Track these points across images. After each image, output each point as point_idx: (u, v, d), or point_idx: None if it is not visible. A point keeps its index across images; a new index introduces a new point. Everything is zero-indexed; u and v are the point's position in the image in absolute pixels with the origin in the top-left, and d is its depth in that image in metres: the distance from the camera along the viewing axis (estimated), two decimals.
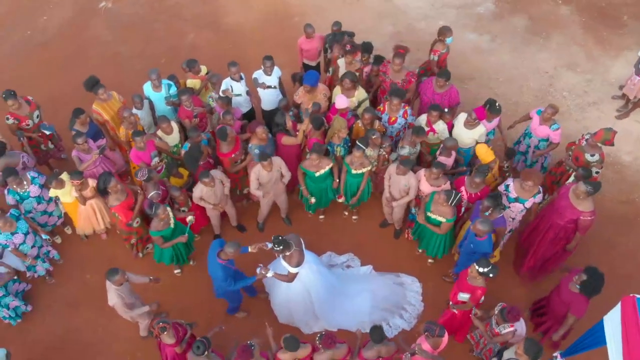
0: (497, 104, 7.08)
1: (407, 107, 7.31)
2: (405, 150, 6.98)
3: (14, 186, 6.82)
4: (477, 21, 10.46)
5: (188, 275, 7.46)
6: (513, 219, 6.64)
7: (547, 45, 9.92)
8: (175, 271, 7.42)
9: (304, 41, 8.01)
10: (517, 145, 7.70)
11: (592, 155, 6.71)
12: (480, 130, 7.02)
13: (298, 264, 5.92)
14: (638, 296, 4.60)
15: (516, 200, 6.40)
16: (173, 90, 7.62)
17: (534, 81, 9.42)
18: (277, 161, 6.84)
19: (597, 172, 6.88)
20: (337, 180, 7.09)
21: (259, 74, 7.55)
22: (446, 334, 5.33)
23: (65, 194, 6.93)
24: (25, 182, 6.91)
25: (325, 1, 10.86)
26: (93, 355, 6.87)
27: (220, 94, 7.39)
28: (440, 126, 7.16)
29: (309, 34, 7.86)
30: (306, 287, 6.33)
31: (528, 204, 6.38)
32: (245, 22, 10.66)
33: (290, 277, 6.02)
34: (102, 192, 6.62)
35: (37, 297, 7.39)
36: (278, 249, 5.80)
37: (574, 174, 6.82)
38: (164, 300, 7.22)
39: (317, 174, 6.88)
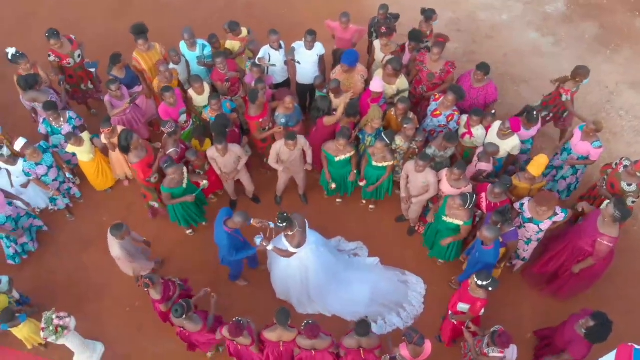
0: (534, 113, 6.67)
1: (457, 112, 6.92)
2: (430, 150, 6.71)
3: (50, 119, 7.03)
4: (543, 20, 9.84)
5: (199, 235, 7.55)
6: (529, 239, 6.32)
7: (614, 59, 9.25)
8: (187, 231, 7.52)
9: (338, 28, 7.69)
10: (553, 157, 7.30)
11: (629, 185, 6.27)
12: (513, 142, 6.64)
13: (298, 245, 5.87)
14: (636, 347, 4.30)
15: (530, 221, 6.07)
16: (207, 50, 7.56)
17: (592, 94, 8.82)
18: (301, 141, 6.73)
19: (632, 202, 6.44)
20: (354, 172, 6.94)
21: (298, 46, 7.38)
22: (428, 344, 5.19)
23: (83, 152, 7.07)
24: (62, 119, 7.12)
25: None
26: (94, 297, 7.12)
27: (256, 61, 7.29)
28: (479, 131, 6.82)
29: (343, 23, 7.54)
30: (305, 266, 6.29)
31: (544, 226, 6.05)
32: None
33: (289, 254, 5.98)
34: (123, 148, 6.72)
35: (54, 232, 7.69)
36: (281, 225, 5.75)
37: (606, 202, 6.41)
38: (171, 256, 7.40)
39: (337, 159, 6.75)
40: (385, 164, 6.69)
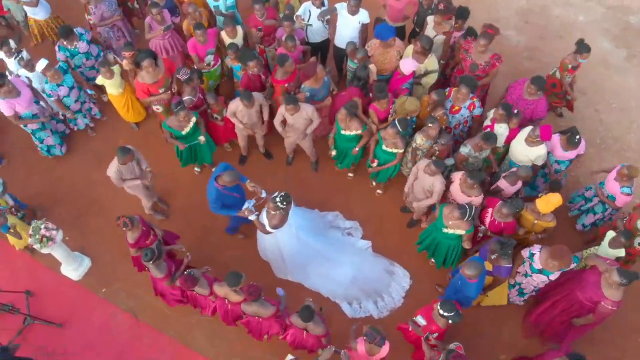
0: (577, 137, 6.13)
1: (475, 99, 6.52)
2: (465, 150, 6.31)
3: (64, 43, 7.05)
4: (622, 30, 8.95)
5: (206, 175, 7.48)
6: (535, 287, 5.92)
7: None
8: (195, 169, 7.56)
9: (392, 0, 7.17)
10: (587, 190, 6.81)
11: None
12: (539, 151, 6.18)
13: (274, 227, 5.78)
14: None
15: (540, 272, 5.61)
16: (230, 1, 7.31)
17: None
18: (308, 110, 6.48)
19: (639, 244, 5.95)
20: (357, 149, 6.67)
21: (341, 7, 6.99)
22: (386, 346, 5.06)
23: (112, 85, 7.06)
24: (75, 40, 7.10)
25: None
26: (93, 213, 7.34)
27: (294, 17, 6.97)
28: (501, 129, 6.39)
29: None
30: (278, 244, 6.24)
31: (554, 277, 5.59)
32: None
33: (265, 231, 5.91)
34: (135, 64, 6.67)
35: (74, 144, 7.91)
36: (282, 206, 5.59)
37: (609, 232, 5.95)
38: (175, 191, 7.50)
39: (343, 132, 6.50)
40: (395, 151, 6.39)
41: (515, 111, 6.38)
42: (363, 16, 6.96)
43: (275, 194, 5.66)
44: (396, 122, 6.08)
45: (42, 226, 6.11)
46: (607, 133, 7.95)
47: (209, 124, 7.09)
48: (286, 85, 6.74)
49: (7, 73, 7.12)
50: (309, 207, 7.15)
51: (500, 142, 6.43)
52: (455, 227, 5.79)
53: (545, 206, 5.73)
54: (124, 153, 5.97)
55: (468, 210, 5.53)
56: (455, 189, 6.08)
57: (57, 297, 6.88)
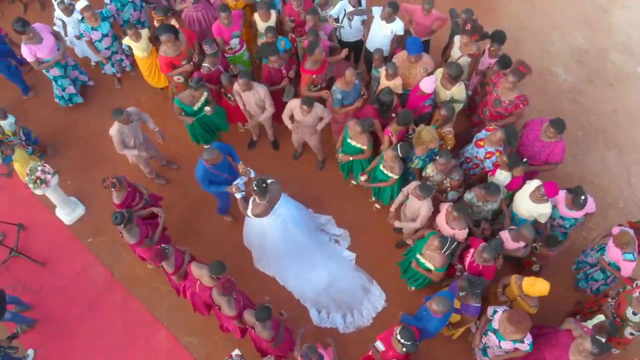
0: (582, 198, 5.75)
1: (499, 153, 6.11)
2: (469, 196, 6.03)
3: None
4: None
5: None
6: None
7: None
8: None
9: (419, 12, 6.87)
10: (586, 256, 6.45)
11: (635, 314, 5.40)
12: (544, 209, 5.82)
13: (257, 216, 5.73)
14: None
15: (495, 332, 5.30)
16: None
17: None
18: (318, 110, 6.34)
19: (631, 334, 5.58)
20: (363, 179, 6.52)
21: (377, 11, 6.75)
22: None
23: (138, 48, 7.07)
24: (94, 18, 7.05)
25: None
26: (101, 163, 7.49)
27: (328, 17, 6.79)
28: (502, 176, 6.05)
29: (425, 9, 6.75)
30: (264, 232, 6.18)
31: (505, 345, 5.24)
32: None
33: (246, 215, 5.85)
34: (155, 38, 6.68)
35: (98, 94, 8.08)
36: (254, 189, 5.55)
37: (598, 316, 5.59)
38: (179, 160, 7.58)
39: (349, 140, 6.35)
40: (390, 174, 6.19)
41: (524, 160, 6.03)
42: (397, 26, 6.72)
43: (257, 180, 5.55)
44: (398, 146, 5.88)
45: (39, 168, 6.28)
46: (631, 197, 7.47)
47: (222, 101, 7.07)
48: (314, 76, 6.60)
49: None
50: (303, 204, 7.07)
51: (502, 189, 6.12)
52: (430, 259, 5.61)
53: (529, 288, 5.37)
54: (117, 114, 6.04)
55: (448, 243, 5.32)
56: (441, 220, 5.86)
57: (45, 236, 7.13)
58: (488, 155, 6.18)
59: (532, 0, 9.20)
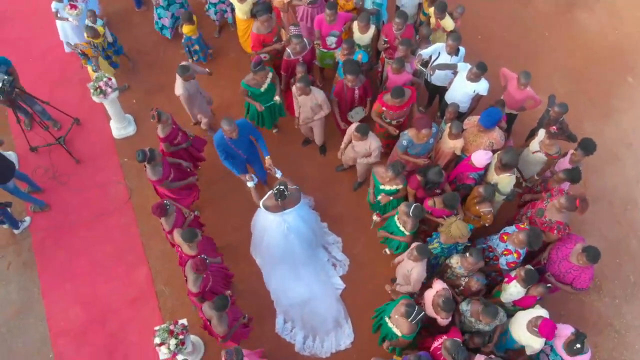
0: (576, 346, 5.15)
1: (518, 255, 5.73)
2: (463, 307, 5.62)
3: None
4: None
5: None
6: None
7: None
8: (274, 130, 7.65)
9: (514, 83, 6.42)
10: None
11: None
12: (534, 344, 5.31)
13: (266, 208, 5.76)
14: None
15: None
16: None
17: None
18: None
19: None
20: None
21: (463, 68, 6.42)
22: None
23: (240, 10, 7.18)
24: None
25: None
26: (174, 98, 7.25)
27: (417, 55, 6.55)
28: (516, 289, 5.53)
29: (521, 84, 6.31)
30: (265, 228, 6.22)
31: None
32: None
33: (257, 203, 5.87)
34: (253, 15, 6.78)
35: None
36: (274, 192, 5.57)
37: None
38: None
39: (383, 187, 6.19)
40: (402, 229, 5.96)
41: (548, 285, 5.56)
42: (481, 87, 6.35)
43: (279, 185, 5.58)
44: (413, 205, 5.66)
45: (105, 79, 6.67)
46: None
47: (288, 92, 7.10)
48: (390, 112, 6.40)
49: None
50: (321, 216, 7.06)
51: (508, 300, 5.69)
52: (397, 324, 5.36)
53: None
54: (183, 70, 6.24)
55: (415, 312, 5.04)
56: (428, 299, 5.55)
57: (92, 139, 7.61)
58: (505, 252, 5.76)
59: None
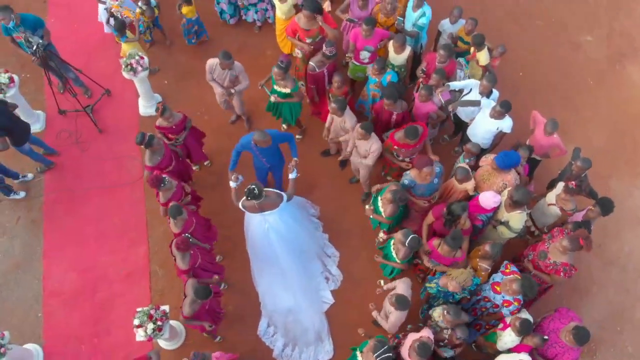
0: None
1: (517, 303, 5.56)
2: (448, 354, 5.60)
3: None
4: None
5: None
6: None
7: None
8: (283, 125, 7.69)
9: (542, 128, 6.22)
10: None
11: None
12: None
13: (245, 208, 5.78)
14: None
15: None
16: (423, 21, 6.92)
17: None
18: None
19: None
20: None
21: (486, 104, 6.24)
22: None
23: (280, 9, 7.20)
24: None
25: None
26: (204, 85, 7.35)
27: (445, 85, 6.41)
28: (510, 338, 5.41)
29: (547, 132, 6.15)
30: (249, 222, 6.32)
31: None
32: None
33: (236, 204, 5.87)
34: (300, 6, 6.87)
35: (233, 28, 8.45)
36: (247, 190, 5.51)
37: None
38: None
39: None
40: (394, 256, 5.91)
41: (545, 337, 5.39)
42: (505, 124, 6.18)
43: (250, 185, 5.53)
44: (410, 237, 5.58)
45: (137, 57, 6.79)
46: None
47: (322, 98, 7.12)
48: (402, 149, 6.25)
49: None
50: (327, 227, 7.07)
51: (503, 349, 5.54)
52: (365, 359, 5.28)
53: None
54: (224, 57, 6.27)
55: (384, 350, 4.91)
56: (409, 341, 5.39)
57: (119, 112, 7.77)
58: (506, 304, 5.60)
59: None
